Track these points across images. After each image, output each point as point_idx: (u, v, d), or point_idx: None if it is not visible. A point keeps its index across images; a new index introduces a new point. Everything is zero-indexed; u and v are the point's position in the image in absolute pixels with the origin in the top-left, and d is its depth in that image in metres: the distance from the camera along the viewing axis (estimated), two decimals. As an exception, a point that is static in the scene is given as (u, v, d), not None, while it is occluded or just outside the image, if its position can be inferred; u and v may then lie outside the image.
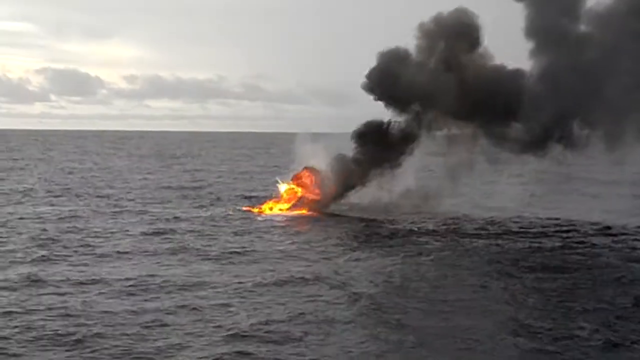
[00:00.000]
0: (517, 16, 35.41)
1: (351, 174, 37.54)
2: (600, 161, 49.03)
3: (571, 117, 33.50)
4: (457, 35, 36.21)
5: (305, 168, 38.72)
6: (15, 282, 21.14)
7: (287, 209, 38.12)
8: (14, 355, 15.49)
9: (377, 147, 37.25)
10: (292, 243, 28.79)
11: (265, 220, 35.08)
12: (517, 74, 35.63)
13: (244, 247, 27.43)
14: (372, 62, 37.68)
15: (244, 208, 38.45)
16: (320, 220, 35.72)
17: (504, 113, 34.73)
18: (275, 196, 39.51)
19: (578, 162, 53.85)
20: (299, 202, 38.34)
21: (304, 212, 37.75)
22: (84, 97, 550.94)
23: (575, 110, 32.75)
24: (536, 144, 34.91)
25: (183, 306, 19.08)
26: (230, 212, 36.79)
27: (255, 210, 38.08)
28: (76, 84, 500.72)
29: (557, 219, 35.31)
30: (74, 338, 16.42)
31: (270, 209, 38.34)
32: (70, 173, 62.43)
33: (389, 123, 38.14)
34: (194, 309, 18.88)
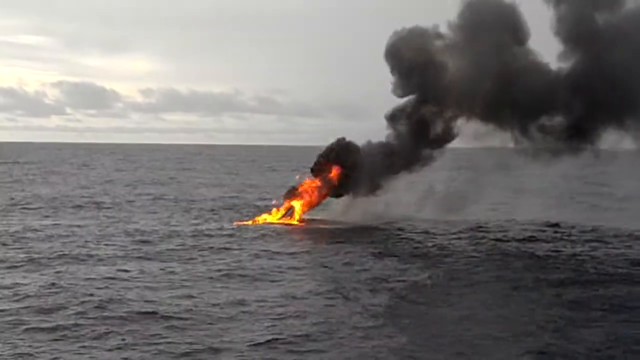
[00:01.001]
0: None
1: (380, 164, 34.98)
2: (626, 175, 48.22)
3: (604, 120, 32.46)
4: (502, 28, 33.84)
5: (339, 139, 36.50)
6: (33, 286, 21.31)
7: (281, 218, 36.47)
8: (46, 350, 15.70)
9: (411, 135, 35.34)
10: (292, 254, 27.52)
11: (264, 231, 33.36)
12: (556, 73, 34.22)
13: (243, 259, 26.22)
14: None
15: (245, 222, 36.36)
16: (324, 229, 34.48)
17: (540, 113, 33.35)
18: (277, 207, 37.71)
19: (601, 172, 53.31)
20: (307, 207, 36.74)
21: (299, 222, 36.13)
22: (100, 110, 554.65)
23: (609, 112, 31.69)
24: (567, 148, 33.89)
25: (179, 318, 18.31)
26: (233, 225, 35.23)
27: (250, 222, 36.20)
28: (92, 97, 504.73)
29: (572, 227, 34.45)
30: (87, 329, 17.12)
31: (266, 220, 36.80)
32: (83, 187, 61.87)
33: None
34: (189, 320, 18.12)
